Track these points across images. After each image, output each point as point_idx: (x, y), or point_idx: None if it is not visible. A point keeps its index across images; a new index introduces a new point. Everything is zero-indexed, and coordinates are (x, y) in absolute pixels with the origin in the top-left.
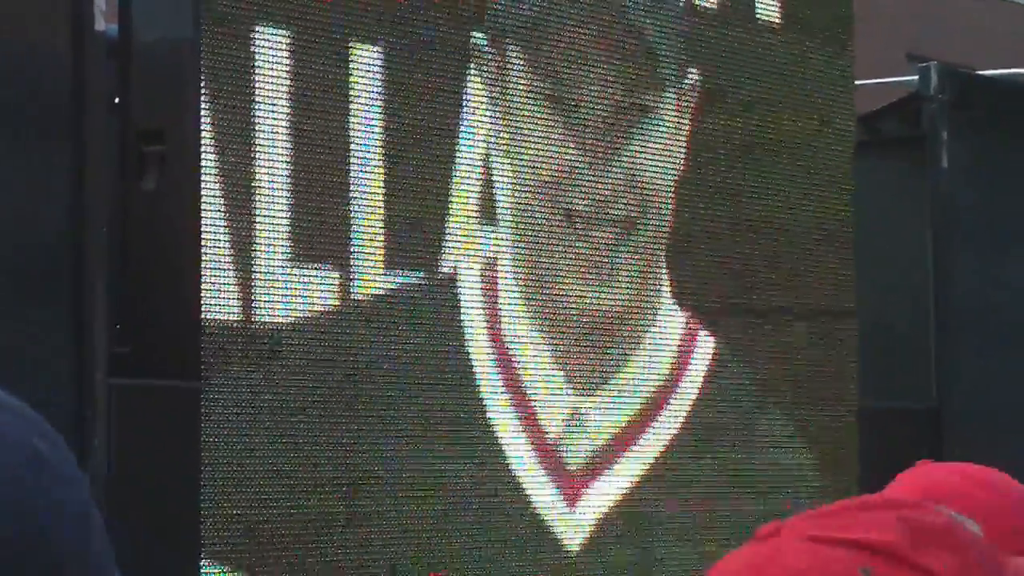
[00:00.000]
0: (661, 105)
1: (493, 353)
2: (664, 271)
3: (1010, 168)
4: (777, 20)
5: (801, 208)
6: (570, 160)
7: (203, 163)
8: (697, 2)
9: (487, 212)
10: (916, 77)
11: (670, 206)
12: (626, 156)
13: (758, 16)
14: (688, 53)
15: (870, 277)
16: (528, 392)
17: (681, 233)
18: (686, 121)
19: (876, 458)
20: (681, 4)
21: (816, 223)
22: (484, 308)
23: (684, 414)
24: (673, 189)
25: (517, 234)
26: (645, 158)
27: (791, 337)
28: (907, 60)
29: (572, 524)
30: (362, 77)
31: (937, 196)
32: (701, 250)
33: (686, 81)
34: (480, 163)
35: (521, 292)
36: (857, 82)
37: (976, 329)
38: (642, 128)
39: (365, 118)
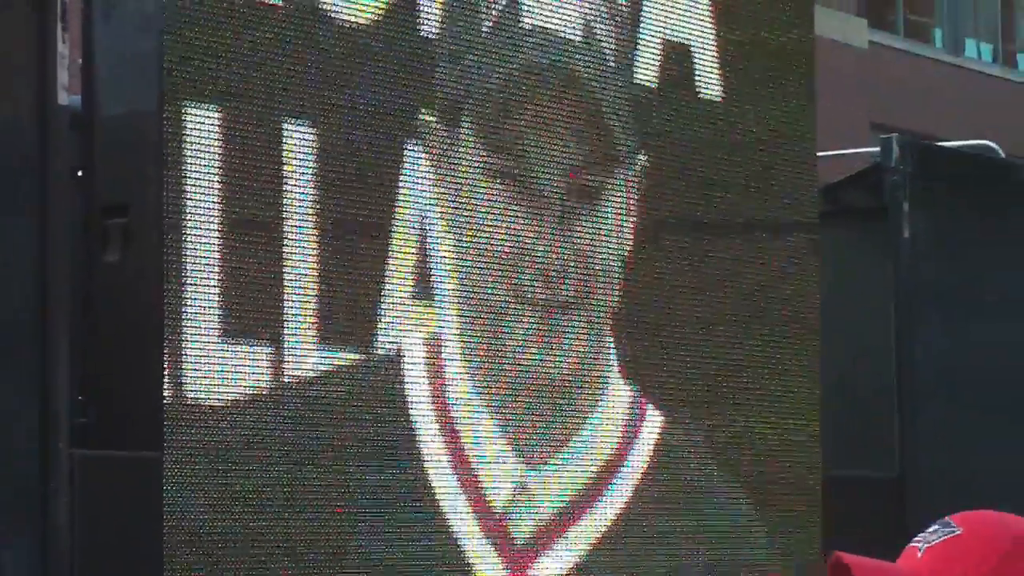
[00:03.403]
0: (612, 184)
1: (438, 426)
2: (613, 349)
3: (971, 238)
4: (736, 94)
5: (767, 284)
6: (518, 237)
7: (166, 236)
8: (646, 81)
9: (432, 288)
10: (878, 148)
11: (618, 285)
12: (576, 234)
13: (710, 94)
14: (640, 132)
15: (834, 346)
16: (474, 465)
17: (634, 313)
18: (636, 200)
19: (840, 526)
20: (632, 81)
21: (782, 294)
22: (430, 384)
23: (633, 486)
24: (623, 268)
25: (464, 311)
26: (595, 237)
27: (752, 413)
28: (871, 130)
29: None
30: (313, 155)
31: (900, 266)
32: (656, 330)
33: (638, 160)
34: (427, 239)
35: (467, 368)
36: (819, 153)
37: (939, 398)
38: (592, 207)
39: (320, 195)
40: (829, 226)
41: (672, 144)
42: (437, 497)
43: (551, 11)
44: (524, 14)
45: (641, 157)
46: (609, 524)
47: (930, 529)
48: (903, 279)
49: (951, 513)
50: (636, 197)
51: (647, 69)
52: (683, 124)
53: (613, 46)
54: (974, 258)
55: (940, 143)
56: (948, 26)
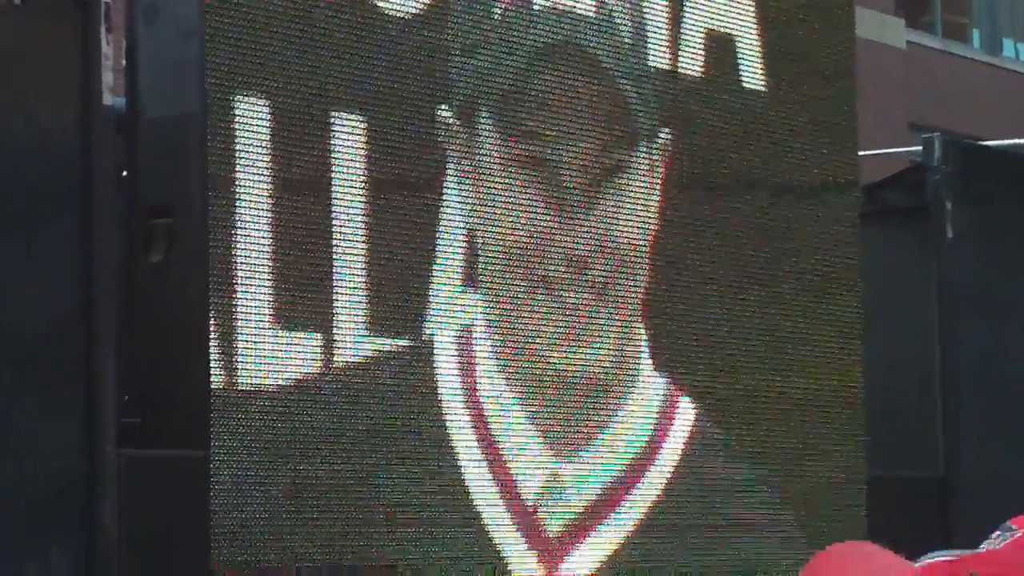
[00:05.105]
0: (638, 164)
1: (470, 418)
2: (643, 334)
3: (1013, 237)
4: (777, 90)
5: (807, 280)
6: (545, 223)
7: (210, 235)
8: (684, 70)
9: (465, 278)
10: (919, 148)
11: (646, 268)
12: (602, 217)
13: (752, 85)
14: (669, 118)
15: (875, 346)
16: (506, 457)
17: (666, 298)
18: (658, 186)
19: (884, 526)
20: (658, 68)
21: (822, 294)
22: (461, 373)
23: (668, 476)
24: (648, 252)
25: (494, 299)
26: (621, 219)
27: (793, 407)
28: (909, 130)
29: None
30: (349, 149)
31: (942, 265)
32: (689, 320)
33: (658, 141)
34: (457, 230)
35: (498, 356)
36: (860, 152)
37: (982, 398)
38: (617, 189)
39: (351, 191)
40: (870, 225)
41: (706, 132)
42: (471, 489)
43: None
44: None
45: (670, 139)
46: (641, 517)
47: (994, 535)
48: (945, 278)
49: (992, 513)
50: (657, 181)
51: (690, 59)
52: (718, 113)
53: (660, 41)
54: (1016, 256)
55: (981, 142)
56: (985, 26)
